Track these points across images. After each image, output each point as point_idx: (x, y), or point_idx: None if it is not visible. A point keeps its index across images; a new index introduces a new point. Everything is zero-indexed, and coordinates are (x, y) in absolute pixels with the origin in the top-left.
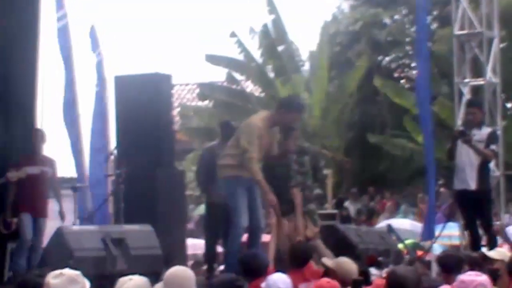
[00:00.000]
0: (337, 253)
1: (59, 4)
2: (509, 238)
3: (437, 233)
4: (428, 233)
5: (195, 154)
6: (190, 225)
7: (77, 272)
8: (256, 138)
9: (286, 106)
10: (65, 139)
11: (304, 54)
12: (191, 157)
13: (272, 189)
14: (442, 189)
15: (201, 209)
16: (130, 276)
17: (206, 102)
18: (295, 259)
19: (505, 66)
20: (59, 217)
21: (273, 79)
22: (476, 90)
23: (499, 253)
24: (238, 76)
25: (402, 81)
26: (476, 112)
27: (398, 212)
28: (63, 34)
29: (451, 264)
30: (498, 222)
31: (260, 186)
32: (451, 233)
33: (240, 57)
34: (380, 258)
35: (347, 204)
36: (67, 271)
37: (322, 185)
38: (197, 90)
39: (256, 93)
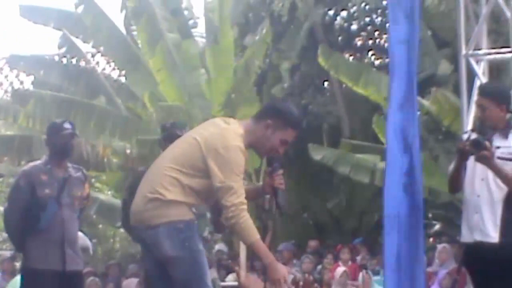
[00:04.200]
0: None
1: None
2: None
3: None
4: None
5: (2, 183)
6: None
7: None
8: (242, 170)
9: (277, 116)
10: None
11: (197, 7)
12: None
13: None
14: (441, 245)
15: (15, 283)
16: None
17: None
18: None
19: None
20: None
21: (140, 50)
22: (497, 68)
23: None
24: (80, 43)
25: (371, 53)
26: (490, 108)
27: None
28: None
29: None
30: None
31: (259, 253)
32: None
33: (80, 10)
34: None
35: None
36: None
37: (227, 238)
38: (6, 68)
39: (115, 76)
